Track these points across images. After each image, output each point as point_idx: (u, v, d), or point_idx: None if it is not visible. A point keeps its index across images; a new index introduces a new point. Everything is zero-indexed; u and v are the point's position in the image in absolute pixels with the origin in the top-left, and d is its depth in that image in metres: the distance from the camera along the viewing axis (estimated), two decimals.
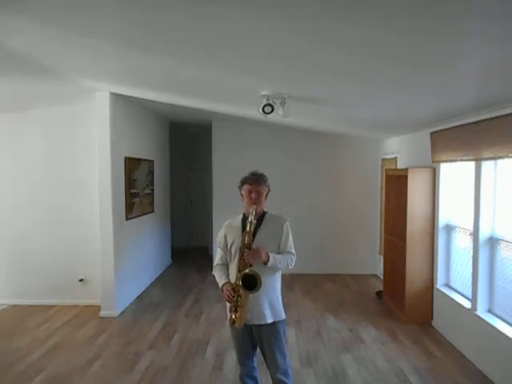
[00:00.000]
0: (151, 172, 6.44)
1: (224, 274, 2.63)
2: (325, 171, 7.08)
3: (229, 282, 2.55)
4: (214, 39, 2.33)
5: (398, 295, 5.14)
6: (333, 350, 4.03)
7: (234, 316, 2.48)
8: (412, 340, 4.27)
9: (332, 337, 4.37)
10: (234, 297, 2.44)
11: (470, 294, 3.92)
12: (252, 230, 2.47)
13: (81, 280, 5.32)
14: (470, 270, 3.88)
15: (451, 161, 4.19)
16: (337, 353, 3.98)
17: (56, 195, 5.32)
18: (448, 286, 4.55)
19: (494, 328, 3.43)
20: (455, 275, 4.45)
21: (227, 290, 2.48)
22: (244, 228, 2.52)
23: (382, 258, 6.10)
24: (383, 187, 6.17)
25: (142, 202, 5.95)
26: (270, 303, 2.55)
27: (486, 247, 3.70)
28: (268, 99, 3.58)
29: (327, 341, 4.26)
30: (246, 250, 2.43)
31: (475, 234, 3.77)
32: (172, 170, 8.11)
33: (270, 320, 2.53)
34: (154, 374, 3.58)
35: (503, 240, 3.55)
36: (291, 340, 4.22)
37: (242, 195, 2.64)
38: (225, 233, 2.68)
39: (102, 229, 4.90)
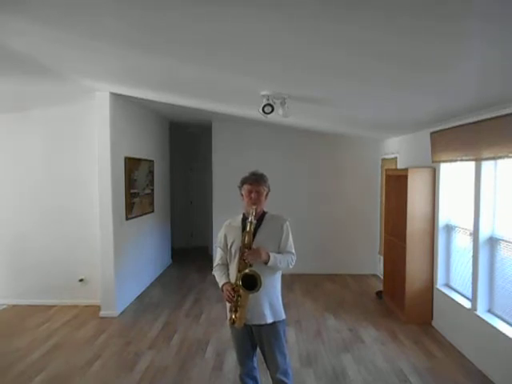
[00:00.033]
0: (151, 172, 6.44)
1: (224, 273, 2.63)
2: (325, 171, 7.07)
3: (229, 282, 2.55)
4: (214, 39, 2.33)
5: (397, 295, 5.14)
6: (333, 350, 4.03)
7: (234, 316, 2.48)
8: (412, 340, 4.27)
9: (332, 337, 4.37)
10: (234, 297, 2.44)
11: (469, 294, 3.92)
12: (252, 229, 2.47)
13: (81, 280, 5.32)
14: (470, 270, 3.88)
15: (451, 161, 4.19)
16: (337, 353, 3.98)
17: (56, 195, 5.32)
18: (448, 285, 4.55)
19: (494, 328, 3.43)
20: (455, 275, 4.45)
21: (227, 290, 2.48)
22: (244, 228, 2.52)
23: (381, 258, 6.10)
24: (383, 187, 6.17)
25: (141, 202, 5.95)
26: (270, 303, 2.55)
27: (486, 247, 3.70)
28: (268, 99, 3.58)
29: (327, 341, 4.26)
30: (246, 250, 2.43)
31: (475, 234, 3.77)
32: (172, 170, 8.11)
33: (270, 320, 2.53)
34: (154, 374, 3.58)
35: (503, 240, 3.55)
36: (291, 340, 4.22)
37: (242, 195, 2.64)
38: (225, 233, 2.68)
39: (102, 229, 4.90)
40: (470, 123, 3.71)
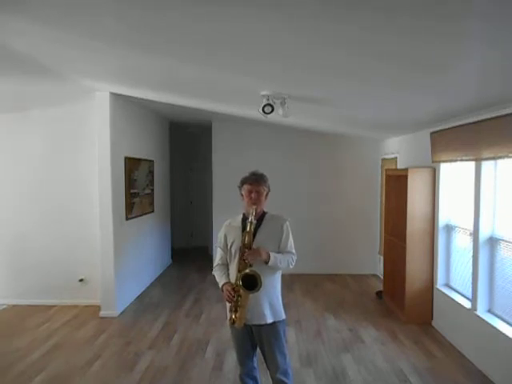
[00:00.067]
0: (151, 172, 6.44)
1: (224, 273, 2.63)
2: (325, 171, 7.07)
3: (229, 282, 2.55)
4: (214, 39, 2.33)
5: (398, 295, 5.14)
6: (333, 350, 4.03)
7: (234, 316, 2.48)
8: (412, 340, 4.27)
9: (332, 337, 4.37)
10: (234, 297, 2.44)
11: (470, 294, 3.92)
12: (252, 229, 2.47)
13: (81, 280, 5.32)
14: (470, 270, 3.88)
15: (451, 161, 4.19)
16: (337, 353, 3.98)
17: (56, 195, 5.32)
18: (448, 285, 4.55)
19: (494, 328, 3.43)
20: (455, 275, 4.45)
21: (227, 290, 2.48)
22: (244, 228, 2.52)
23: (381, 258, 6.10)
24: (383, 187, 6.17)
25: (141, 202, 5.95)
26: (270, 303, 2.55)
27: (486, 247, 3.70)
28: (268, 99, 3.58)
29: (327, 341, 4.26)
30: (246, 250, 2.43)
31: (475, 234, 3.77)
32: (172, 170, 8.11)
33: (270, 320, 2.53)
34: (154, 374, 3.58)
35: (503, 240, 3.55)
36: (291, 340, 4.22)
37: (242, 195, 2.64)
38: (225, 233, 2.69)
39: (102, 229, 4.90)
40: (470, 123, 3.72)
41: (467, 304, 3.94)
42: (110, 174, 4.86)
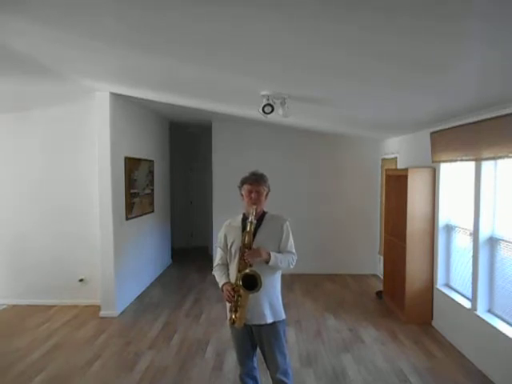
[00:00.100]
0: (151, 172, 6.44)
1: (224, 273, 2.63)
2: (325, 171, 7.07)
3: (229, 282, 2.55)
4: (214, 39, 2.33)
5: (398, 295, 5.14)
6: (333, 350, 4.03)
7: (234, 316, 2.48)
8: (412, 340, 4.27)
9: (332, 337, 4.37)
10: (234, 297, 2.44)
11: (470, 294, 3.92)
12: (252, 229, 2.47)
13: (81, 280, 5.32)
14: (470, 270, 3.88)
15: (451, 161, 4.19)
16: (337, 353, 3.98)
17: (56, 195, 5.32)
18: (448, 285, 4.55)
19: (494, 328, 3.43)
20: (455, 275, 4.45)
21: (227, 290, 2.48)
22: (244, 228, 2.52)
23: (381, 258, 6.10)
24: (383, 187, 6.17)
25: (142, 202, 5.95)
26: (270, 303, 2.55)
27: (486, 247, 3.70)
28: (268, 99, 3.58)
29: (327, 341, 4.26)
30: (247, 250, 2.43)
31: (475, 233, 3.77)
32: (172, 170, 8.11)
33: (269, 320, 2.53)
34: (154, 374, 3.58)
35: (503, 240, 3.55)
36: (291, 340, 4.22)
37: (242, 195, 2.64)
38: (225, 233, 2.69)
39: (102, 229, 4.90)
40: (470, 123, 3.71)
41: (467, 304, 3.94)
42: (110, 174, 4.86)
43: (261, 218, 2.61)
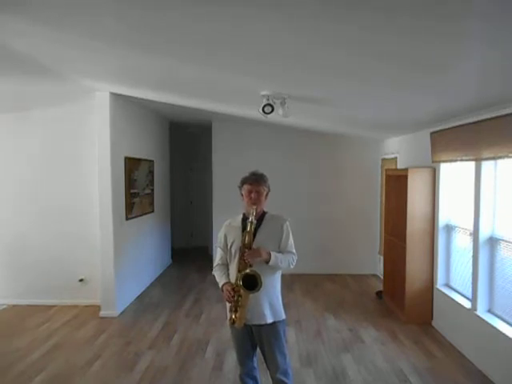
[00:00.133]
0: (151, 172, 6.44)
1: (224, 273, 2.63)
2: (325, 171, 7.07)
3: (229, 282, 2.55)
4: (214, 39, 2.33)
5: (398, 295, 5.14)
6: (333, 350, 4.03)
7: (234, 316, 2.48)
8: (412, 340, 4.27)
9: (332, 337, 4.37)
10: (234, 297, 2.44)
11: (470, 294, 3.92)
12: (252, 229, 2.47)
13: (81, 280, 5.32)
14: (470, 270, 3.88)
15: (451, 161, 4.19)
16: (337, 353, 3.98)
17: (56, 195, 5.32)
18: (448, 285, 4.55)
19: (494, 328, 3.43)
20: (455, 275, 4.45)
21: (227, 290, 2.48)
22: (244, 228, 2.52)
23: (381, 258, 6.10)
24: (383, 187, 6.17)
25: (141, 202, 5.95)
26: (270, 303, 2.55)
27: (486, 247, 3.70)
28: (268, 99, 3.58)
29: (327, 341, 4.26)
30: (247, 250, 2.43)
31: (475, 233, 3.77)
32: (172, 170, 8.11)
33: (269, 320, 2.53)
34: (154, 374, 3.58)
35: (503, 240, 3.55)
36: (291, 340, 4.22)
37: (242, 195, 2.64)
38: (225, 233, 2.69)
39: (102, 229, 4.90)
40: (470, 123, 3.72)
41: (467, 304, 3.94)
42: (110, 174, 4.86)
43: (261, 217, 2.61)
